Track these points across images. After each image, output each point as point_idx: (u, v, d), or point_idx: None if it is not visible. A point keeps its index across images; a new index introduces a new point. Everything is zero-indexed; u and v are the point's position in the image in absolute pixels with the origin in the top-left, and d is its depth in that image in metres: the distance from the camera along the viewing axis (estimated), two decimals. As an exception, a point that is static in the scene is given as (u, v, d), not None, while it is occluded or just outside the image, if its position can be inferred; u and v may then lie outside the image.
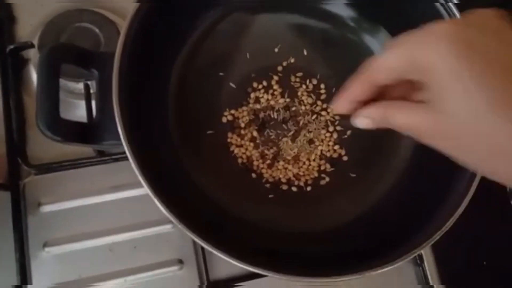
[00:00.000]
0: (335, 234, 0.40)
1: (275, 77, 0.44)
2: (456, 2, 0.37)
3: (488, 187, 0.37)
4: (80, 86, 0.44)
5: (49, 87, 0.30)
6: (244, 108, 0.43)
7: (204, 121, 0.42)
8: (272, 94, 0.44)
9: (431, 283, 0.44)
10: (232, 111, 0.43)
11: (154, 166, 0.33)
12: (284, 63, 0.45)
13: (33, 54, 0.45)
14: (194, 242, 0.43)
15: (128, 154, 0.30)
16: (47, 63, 0.31)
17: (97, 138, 0.32)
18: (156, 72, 0.38)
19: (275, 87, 0.44)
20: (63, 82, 0.44)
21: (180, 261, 0.43)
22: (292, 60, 0.45)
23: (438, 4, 0.38)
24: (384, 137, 0.43)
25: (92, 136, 0.32)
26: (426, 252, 0.45)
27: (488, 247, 0.49)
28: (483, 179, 0.36)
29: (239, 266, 0.31)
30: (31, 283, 0.40)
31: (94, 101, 0.34)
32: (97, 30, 0.46)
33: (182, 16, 0.40)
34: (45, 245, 0.42)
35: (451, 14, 0.37)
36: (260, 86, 0.44)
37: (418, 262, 0.45)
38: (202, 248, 0.42)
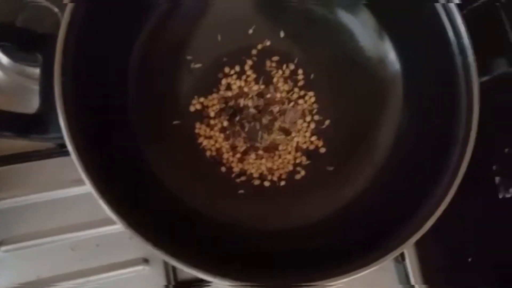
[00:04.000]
0: (309, 233, 0.37)
1: (249, 62, 0.41)
2: (457, 1, 0.33)
3: (475, 179, 0.35)
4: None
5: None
6: (214, 95, 0.40)
7: (170, 110, 0.39)
8: (245, 81, 0.41)
9: (412, 282, 0.42)
10: (201, 99, 0.40)
11: (105, 162, 0.30)
12: (259, 46, 0.41)
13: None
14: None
15: (70, 149, 0.27)
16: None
17: (40, 131, 0.29)
18: (112, 55, 0.35)
19: (249, 72, 0.41)
20: (21, 67, 0.41)
21: (146, 260, 0.40)
22: (268, 43, 0.41)
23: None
24: (364, 129, 0.40)
25: (34, 128, 0.29)
26: (408, 249, 0.43)
27: (474, 243, 0.46)
28: (469, 172, 0.33)
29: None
30: (-15, 285, 0.38)
31: (39, 89, 0.30)
32: (55, 9, 0.42)
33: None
34: (1, 244, 0.39)
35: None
36: (232, 72, 0.40)
37: (400, 259, 0.43)
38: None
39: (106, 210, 0.28)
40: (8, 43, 0.29)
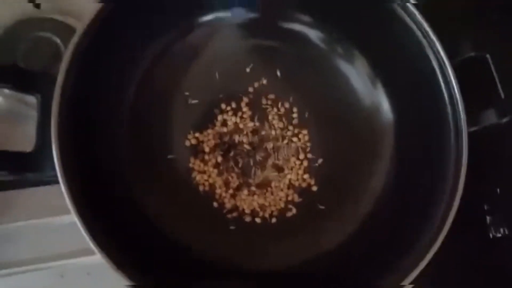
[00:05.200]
0: (297, 274, 0.37)
1: (245, 99, 0.41)
2: (413, 2, 0.34)
3: (467, 219, 0.35)
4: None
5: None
6: (210, 131, 0.41)
7: (164, 144, 0.39)
8: (241, 117, 0.41)
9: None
10: (197, 134, 0.40)
11: (96, 199, 0.30)
12: (256, 84, 0.42)
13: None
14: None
15: (63, 189, 0.28)
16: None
17: (35, 169, 0.30)
18: (109, 93, 0.36)
19: (245, 109, 0.41)
20: (20, 95, 0.41)
21: (135, 291, 0.40)
22: (264, 82, 0.42)
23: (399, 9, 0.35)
24: (355, 171, 0.40)
25: (30, 166, 0.30)
26: None
27: (465, 282, 0.46)
28: (461, 211, 0.34)
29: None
30: (-28, 313, 0.38)
31: (36, 127, 0.31)
32: (58, 41, 0.43)
33: (138, 33, 0.37)
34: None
35: (412, 17, 0.35)
36: (229, 108, 0.41)
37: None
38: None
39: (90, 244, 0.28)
40: (6, 85, 0.29)
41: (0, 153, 0.29)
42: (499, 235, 0.46)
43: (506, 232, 0.43)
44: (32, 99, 0.41)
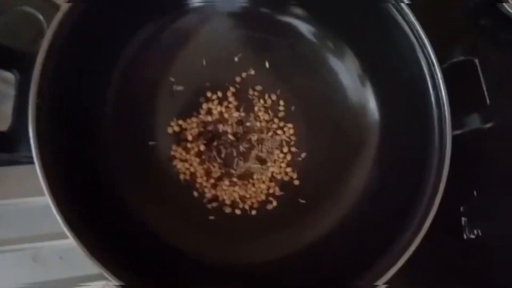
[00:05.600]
0: (276, 267, 0.37)
1: (232, 89, 0.41)
2: (407, 2, 0.34)
3: (443, 219, 0.35)
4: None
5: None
6: (194, 119, 0.40)
7: (147, 131, 0.39)
8: (227, 107, 0.41)
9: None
10: (180, 122, 0.40)
11: (71, 181, 0.29)
12: (243, 74, 0.41)
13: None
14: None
15: (38, 169, 0.27)
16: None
17: (9, 148, 0.29)
18: (94, 75, 0.34)
19: (231, 99, 0.41)
20: (-1, 70, 0.40)
21: (108, 277, 0.40)
22: (252, 72, 0.41)
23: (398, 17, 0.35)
24: (338, 168, 0.40)
25: (5, 145, 0.29)
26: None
27: (440, 281, 0.47)
28: (438, 214, 0.34)
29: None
30: None
31: (13, 106, 0.30)
32: (40, 17, 0.41)
33: (126, 16, 0.36)
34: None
35: (405, 17, 0.35)
36: (214, 97, 0.41)
37: None
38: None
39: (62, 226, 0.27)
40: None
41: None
42: (472, 236, 0.47)
43: (480, 234, 0.44)
44: (10, 76, 0.40)
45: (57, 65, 0.29)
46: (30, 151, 0.28)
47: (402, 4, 0.34)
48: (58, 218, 0.28)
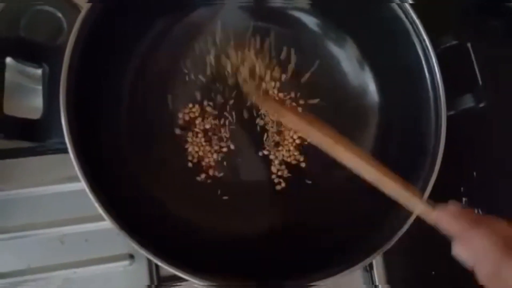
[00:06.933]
0: (283, 239, 0.40)
1: (241, 76, 0.43)
2: (411, 2, 0.37)
3: (444, 199, 0.38)
4: (39, 72, 0.42)
5: (-8, 83, 0.29)
6: (206, 106, 0.42)
7: (162, 118, 0.41)
8: (237, 94, 0.43)
9: (379, 288, 0.45)
10: (196, 107, 0.42)
11: (99, 166, 0.32)
12: (251, 64, 0.43)
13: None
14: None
15: (71, 153, 0.30)
16: (-10, 58, 0.29)
17: (43, 135, 0.31)
18: (114, 65, 0.37)
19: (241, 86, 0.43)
20: (22, 67, 0.42)
21: (131, 256, 0.43)
22: (260, 61, 0.43)
23: (394, 5, 0.37)
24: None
25: (38, 133, 0.31)
26: (376, 258, 0.46)
27: (437, 258, 0.49)
28: (436, 189, 0.37)
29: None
30: (-22, 272, 0.40)
31: (43, 96, 0.33)
32: (59, 15, 0.44)
33: (142, 12, 0.39)
34: (-6, 233, 0.41)
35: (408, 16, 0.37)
36: (223, 86, 0.43)
37: (368, 268, 0.46)
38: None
39: (98, 209, 0.30)
40: (14, 56, 0.31)
41: (10, 119, 0.30)
42: (473, 216, 0.49)
43: (480, 213, 0.46)
44: (33, 71, 0.43)
45: (82, 56, 0.32)
46: (61, 136, 0.31)
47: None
48: (92, 198, 0.30)
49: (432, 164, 0.36)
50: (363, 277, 0.46)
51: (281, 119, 0.40)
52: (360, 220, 0.40)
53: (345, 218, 0.41)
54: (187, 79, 0.42)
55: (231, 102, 0.43)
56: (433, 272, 0.49)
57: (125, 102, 0.40)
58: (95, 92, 0.35)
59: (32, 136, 0.31)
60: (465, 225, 0.28)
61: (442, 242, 0.48)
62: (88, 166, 0.31)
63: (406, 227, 0.35)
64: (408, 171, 0.37)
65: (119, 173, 0.36)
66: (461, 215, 0.29)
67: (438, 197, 0.36)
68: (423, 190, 0.36)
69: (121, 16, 0.36)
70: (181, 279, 0.42)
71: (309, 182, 0.43)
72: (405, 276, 0.48)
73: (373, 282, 0.46)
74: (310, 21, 0.44)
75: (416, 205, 0.31)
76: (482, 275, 0.28)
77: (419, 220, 0.35)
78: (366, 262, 0.35)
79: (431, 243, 0.48)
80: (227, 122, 0.42)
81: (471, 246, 0.28)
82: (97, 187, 0.31)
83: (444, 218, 0.29)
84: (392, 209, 0.36)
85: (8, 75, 0.43)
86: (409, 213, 0.35)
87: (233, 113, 0.42)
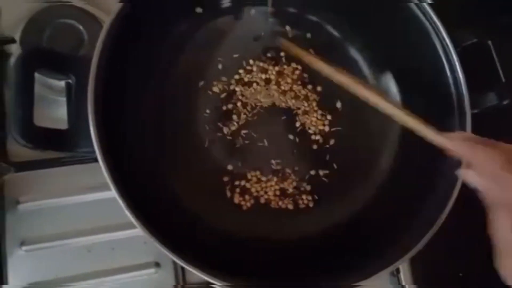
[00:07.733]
0: (310, 244, 0.40)
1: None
2: (429, 2, 0.37)
3: (468, 198, 0.37)
4: (62, 84, 0.43)
5: (23, 94, 0.30)
6: (231, 106, 0.43)
7: (188, 122, 0.42)
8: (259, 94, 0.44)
9: (406, 293, 0.45)
10: (229, 105, 0.43)
11: (127, 173, 0.33)
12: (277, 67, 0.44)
13: (15, 49, 0.45)
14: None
15: (101, 164, 0.30)
16: (21, 70, 0.30)
17: (71, 145, 0.32)
18: (137, 76, 0.38)
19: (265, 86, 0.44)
20: (44, 79, 0.43)
21: (157, 264, 0.43)
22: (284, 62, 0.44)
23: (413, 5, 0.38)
24: (366, 149, 0.43)
25: (67, 143, 0.32)
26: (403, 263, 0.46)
27: (465, 260, 0.49)
28: (462, 192, 0.36)
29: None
30: (7, 283, 0.40)
31: (69, 106, 0.33)
32: (80, 27, 0.45)
33: (165, 20, 0.39)
34: (22, 243, 0.41)
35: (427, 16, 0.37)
36: (246, 87, 0.44)
37: (395, 273, 0.45)
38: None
39: (128, 215, 0.30)
40: (44, 67, 0.32)
41: (40, 130, 0.31)
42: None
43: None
44: (55, 83, 0.44)
45: (107, 66, 0.32)
46: (89, 146, 0.31)
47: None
48: (123, 207, 0.31)
49: (458, 164, 0.36)
50: (390, 281, 0.46)
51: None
52: (386, 225, 0.40)
53: (371, 224, 0.41)
54: (214, 83, 0.43)
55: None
56: (460, 274, 0.48)
57: (150, 106, 0.40)
58: (121, 99, 0.36)
59: (61, 146, 0.32)
60: (473, 145, 0.30)
61: (468, 245, 0.48)
62: (117, 173, 0.31)
63: (435, 228, 0.35)
64: (433, 175, 0.37)
65: (146, 180, 0.37)
66: (470, 138, 0.31)
67: (462, 196, 0.36)
68: (449, 193, 0.36)
69: (145, 22, 0.37)
70: (206, 285, 0.42)
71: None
72: (433, 279, 0.47)
73: (399, 282, 0.45)
74: (330, 25, 0.44)
75: (430, 133, 0.32)
76: (491, 197, 0.29)
77: (447, 221, 0.35)
78: (398, 264, 0.34)
79: (458, 246, 0.48)
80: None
81: (480, 168, 0.29)
82: (126, 194, 0.31)
83: (455, 141, 0.31)
84: (418, 214, 0.36)
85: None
86: (435, 217, 0.35)
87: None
